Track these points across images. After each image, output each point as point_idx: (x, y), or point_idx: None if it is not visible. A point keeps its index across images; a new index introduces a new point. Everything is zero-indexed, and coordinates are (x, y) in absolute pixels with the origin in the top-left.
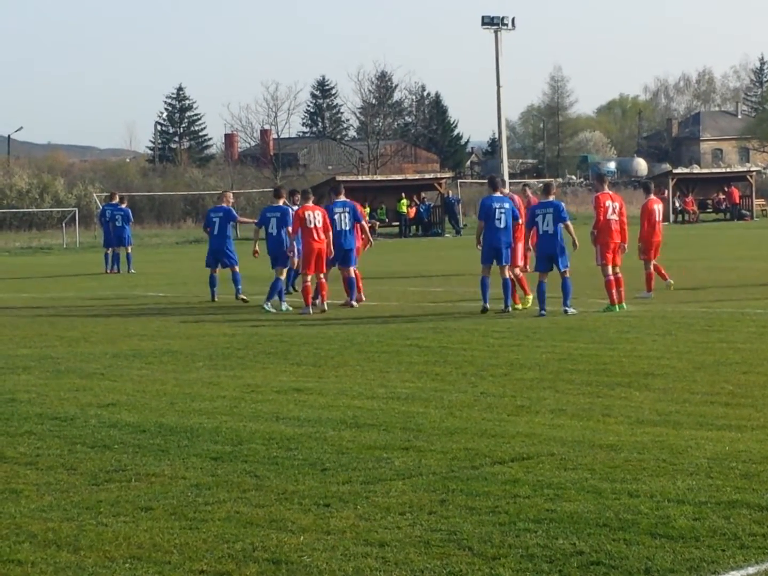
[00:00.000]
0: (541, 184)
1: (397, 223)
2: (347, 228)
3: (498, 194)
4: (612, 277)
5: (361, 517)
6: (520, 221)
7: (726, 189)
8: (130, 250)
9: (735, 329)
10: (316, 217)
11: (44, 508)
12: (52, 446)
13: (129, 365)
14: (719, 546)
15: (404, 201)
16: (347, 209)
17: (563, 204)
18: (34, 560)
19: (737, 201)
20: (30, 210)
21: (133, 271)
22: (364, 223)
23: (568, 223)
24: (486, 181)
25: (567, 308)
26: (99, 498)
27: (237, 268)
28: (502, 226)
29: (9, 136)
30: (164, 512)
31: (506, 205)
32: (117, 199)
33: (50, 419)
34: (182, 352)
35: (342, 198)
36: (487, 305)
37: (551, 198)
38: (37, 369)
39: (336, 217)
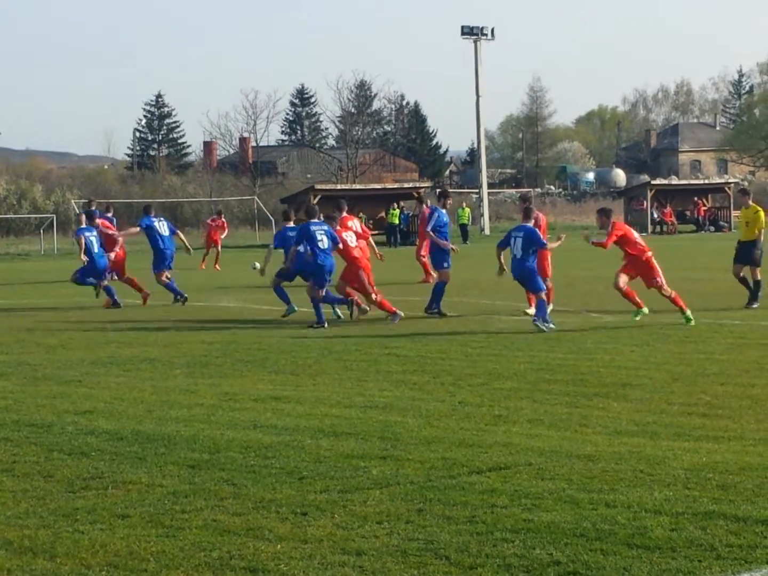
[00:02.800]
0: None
1: (378, 232)
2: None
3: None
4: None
5: (339, 526)
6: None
7: (696, 200)
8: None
9: (712, 340)
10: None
11: (20, 515)
12: (28, 453)
13: (106, 372)
14: (696, 557)
15: (396, 211)
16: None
17: (537, 231)
18: (9, 567)
19: (702, 214)
20: (7, 216)
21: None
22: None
23: (546, 249)
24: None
25: (536, 321)
26: (76, 505)
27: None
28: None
29: None
30: (141, 520)
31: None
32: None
33: (27, 426)
34: (160, 360)
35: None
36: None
37: (529, 223)
38: (14, 375)
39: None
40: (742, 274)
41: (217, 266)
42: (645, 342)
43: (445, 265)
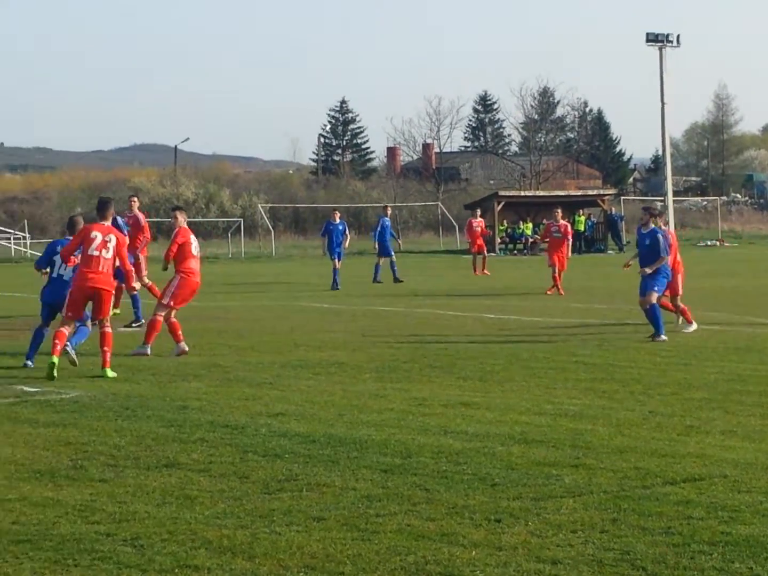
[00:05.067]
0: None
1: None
2: None
3: None
4: None
5: (533, 534)
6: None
7: None
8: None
9: None
10: None
11: (218, 515)
12: (224, 454)
13: (297, 375)
14: None
15: (582, 218)
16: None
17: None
18: (210, 566)
19: None
20: (196, 219)
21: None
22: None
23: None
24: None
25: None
26: (272, 506)
27: None
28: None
29: (176, 146)
30: (336, 523)
31: None
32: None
33: (222, 427)
34: (349, 364)
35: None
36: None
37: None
38: (207, 377)
39: None
40: None
41: (485, 271)
42: None
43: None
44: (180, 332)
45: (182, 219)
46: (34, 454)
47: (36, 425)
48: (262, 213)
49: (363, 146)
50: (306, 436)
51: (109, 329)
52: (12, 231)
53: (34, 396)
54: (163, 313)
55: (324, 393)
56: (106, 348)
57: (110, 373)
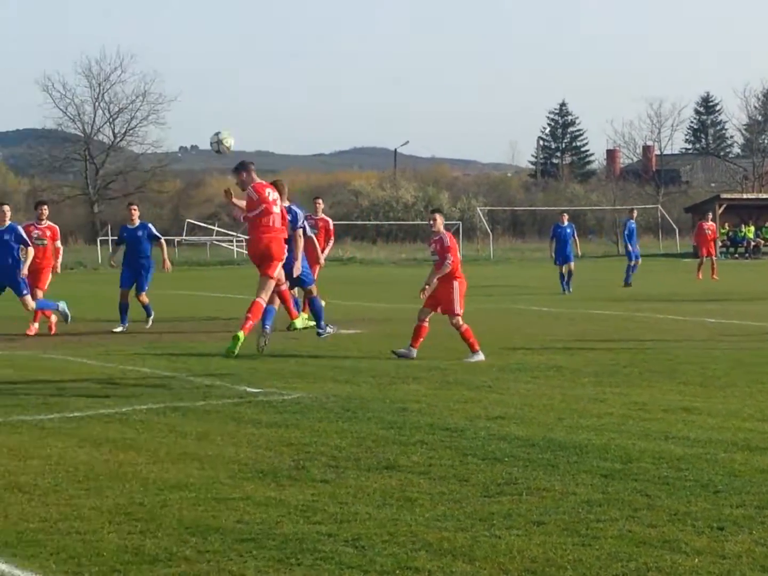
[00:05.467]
0: None
1: None
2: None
3: None
4: None
5: (757, 543)
6: None
7: None
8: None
9: None
10: None
11: (438, 517)
12: (443, 456)
13: (515, 379)
14: None
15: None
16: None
17: None
18: (430, 568)
19: None
20: (415, 222)
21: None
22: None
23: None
24: None
25: None
26: (491, 510)
27: None
28: None
29: (395, 149)
30: (556, 527)
31: None
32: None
33: (441, 429)
34: (567, 368)
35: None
36: None
37: None
38: (426, 379)
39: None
40: None
41: (714, 276)
42: None
43: None
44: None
45: (441, 221)
46: (257, 454)
47: (259, 425)
48: (481, 216)
49: (582, 149)
50: (525, 440)
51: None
52: (234, 234)
53: (257, 397)
54: (423, 319)
55: (543, 396)
56: (249, 315)
57: (241, 335)
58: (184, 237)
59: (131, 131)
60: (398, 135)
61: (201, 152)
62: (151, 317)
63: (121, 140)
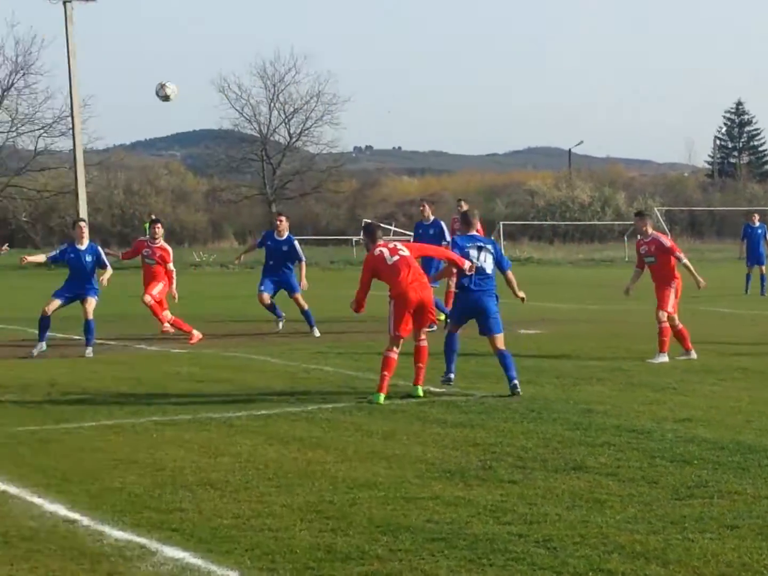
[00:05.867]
0: None
1: None
2: None
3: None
4: None
5: None
6: None
7: None
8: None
9: None
10: None
11: (629, 519)
12: (631, 458)
13: (700, 381)
14: None
15: None
16: None
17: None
18: (623, 571)
19: None
20: (592, 222)
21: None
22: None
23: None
24: None
25: None
26: (683, 513)
27: None
28: None
29: (570, 150)
30: (750, 531)
31: None
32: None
33: (627, 431)
34: (753, 369)
35: None
36: None
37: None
38: (609, 381)
39: None
40: None
41: None
42: None
43: None
44: (688, 340)
45: (651, 224)
46: (443, 454)
47: (444, 425)
48: (658, 216)
49: (760, 148)
50: (713, 443)
51: (424, 343)
52: (402, 231)
53: (441, 396)
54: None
55: (729, 399)
56: (420, 364)
57: (420, 392)
58: (361, 236)
59: (306, 131)
60: (572, 135)
61: (375, 152)
62: (282, 319)
63: (296, 140)
